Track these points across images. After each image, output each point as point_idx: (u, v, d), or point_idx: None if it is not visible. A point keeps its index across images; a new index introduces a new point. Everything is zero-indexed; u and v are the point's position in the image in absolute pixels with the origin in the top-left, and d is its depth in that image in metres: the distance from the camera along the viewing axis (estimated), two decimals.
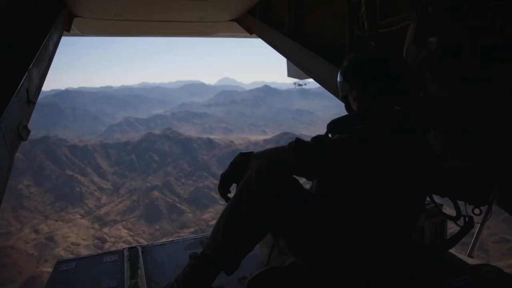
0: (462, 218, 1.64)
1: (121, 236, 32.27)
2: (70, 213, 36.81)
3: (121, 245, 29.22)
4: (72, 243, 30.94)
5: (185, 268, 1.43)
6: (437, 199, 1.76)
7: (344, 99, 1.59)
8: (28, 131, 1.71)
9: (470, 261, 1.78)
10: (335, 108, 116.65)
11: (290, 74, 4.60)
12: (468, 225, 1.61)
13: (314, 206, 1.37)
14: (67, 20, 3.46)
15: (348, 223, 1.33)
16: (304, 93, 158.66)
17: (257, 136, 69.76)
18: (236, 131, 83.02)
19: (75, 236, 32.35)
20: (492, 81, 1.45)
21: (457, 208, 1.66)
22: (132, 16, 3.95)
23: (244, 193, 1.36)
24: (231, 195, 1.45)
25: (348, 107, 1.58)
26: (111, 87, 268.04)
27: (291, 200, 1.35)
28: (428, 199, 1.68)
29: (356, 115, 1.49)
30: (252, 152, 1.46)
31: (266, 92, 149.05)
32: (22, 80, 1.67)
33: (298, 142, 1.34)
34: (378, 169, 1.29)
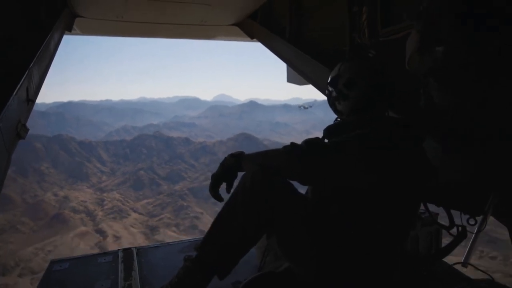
0: (456, 228, 1.61)
1: (115, 197, 46.09)
2: (79, 186, 50.77)
3: (115, 202, 43.58)
4: (81, 201, 44.75)
5: (179, 270, 1.40)
6: (432, 208, 1.73)
7: (335, 106, 1.54)
8: (27, 130, 1.70)
9: (464, 270, 1.74)
10: (312, 121, 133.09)
11: (289, 80, 4.50)
12: (461, 235, 1.58)
13: (309, 211, 1.35)
14: (69, 20, 3.41)
15: (343, 229, 1.31)
16: (287, 108, 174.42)
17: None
18: (217, 138, 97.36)
19: (83, 198, 46.15)
20: (499, 90, 1.43)
21: (450, 217, 1.65)
22: (134, 18, 3.90)
23: (239, 198, 1.35)
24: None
25: (341, 115, 1.54)
26: (110, 100, 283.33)
27: (286, 205, 1.33)
28: (423, 208, 1.66)
29: (351, 122, 1.46)
30: (243, 152, 1.44)
31: (252, 107, 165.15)
32: (22, 79, 1.65)
33: (292, 145, 1.32)
34: (376, 174, 1.28)
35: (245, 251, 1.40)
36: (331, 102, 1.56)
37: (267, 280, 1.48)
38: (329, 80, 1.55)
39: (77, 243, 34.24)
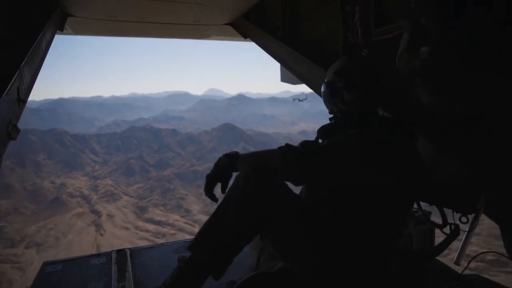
0: (449, 226, 1.64)
1: (108, 183, 50.41)
2: (74, 174, 54.88)
3: (108, 188, 47.94)
4: (77, 187, 48.94)
5: (173, 271, 1.41)
6: (425, 207, 1.75)
7: (331, 106, 1.57)
8: (18, 130, 1.68)
9: (457, 268, 1.77)
10: (298, 113, 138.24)
11: (283, 79, 4.46)
12: (454, 233, 1.61)
13: (303, 211, 1.36)
14: (60, 19, 3.38)
15: (339, 227, 1.32)
16: (274, 101, 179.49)
17: None
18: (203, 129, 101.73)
19: (79, 184, 50.36)
20: (483, 90, 1.45)
21: (443, 216, 1.67)
22: (127, 17, 3.86)
23: (232, 198, 1.36)
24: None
25: (336, 114, 1.57)
26: (101, 96, 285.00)
27: (280, 204, 1.34)
28: (416, 206, 1.69)
29: (345, 121, 1.49)
30: (237, 153, 1.46)
31: (240, 100, 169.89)
32: (13, 79, 1.64)
33: (287, 146, 1.33)
34: (373, 169, 1.30)
35: (238, 251, 1.40)
36: (336, 93, 1.53)
37: (261, 280, 1.48)
38: (336, 70, 1.54)
39: (74, 222, 38.55)
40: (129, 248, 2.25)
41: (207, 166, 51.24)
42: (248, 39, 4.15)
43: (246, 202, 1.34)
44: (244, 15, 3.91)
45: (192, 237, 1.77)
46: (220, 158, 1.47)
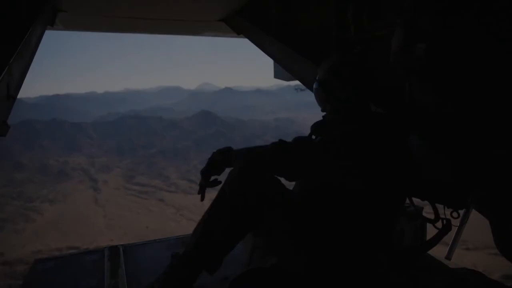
0: (441, 221, 1.66)
1: (103, 160, 60.81)
2: (74, 155, 65.06)
3: (103, 163, 58.76)
4: (78, 163, 59.52)
5: (166, 268, 1.40)
6: (417, 202, 1.77)
7: (323, 103, 1.58)
8: (8, 127, 1.67)
9: (448, 263, 1.77)
10: (279, 104, 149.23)
11: (277, 76, 4.56)
12: (446, 228, 1.63)
13: (296, 207, 1.37)
14: (51, 14, 3.29)
15: (329, 225, 1.34)
16: (260, 93, 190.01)
17: None
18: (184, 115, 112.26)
19: (79, 162, 60.90)
20: (478, 89, 1.44)
21: (435, 211, 1.69)
22: (119, 13, 3.81)
23: (226, 193, 1.36)
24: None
25: (328, 111, 1.58)
26: (95, 92, 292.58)
27: (273, 200, 1.34)
28: (408, 201, 1.70)
29: (338, 118, 1.50)
30: (230, 148, 1.47)
31: (227, 93, 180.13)
32: (2, 75, 1.63)
33: (281, 142, 1.35)
34: (360, 171, 1.31)
35: (233, 246, 1.39)
36: (329, 90, 1.53)
37: (255, 276, 1.48)
38: (328, 67, 1.55)
39: (77, 186, 49.29)
40: (122, 245, 2.24)
41: (185, 145, 62.41)
42: (241, 35, 4.12)
43: (240, 197, 1.34)
44: (237, 12, 3.89)
45: (185, 234, 1.88)
46: (213, 154, 1.48)
